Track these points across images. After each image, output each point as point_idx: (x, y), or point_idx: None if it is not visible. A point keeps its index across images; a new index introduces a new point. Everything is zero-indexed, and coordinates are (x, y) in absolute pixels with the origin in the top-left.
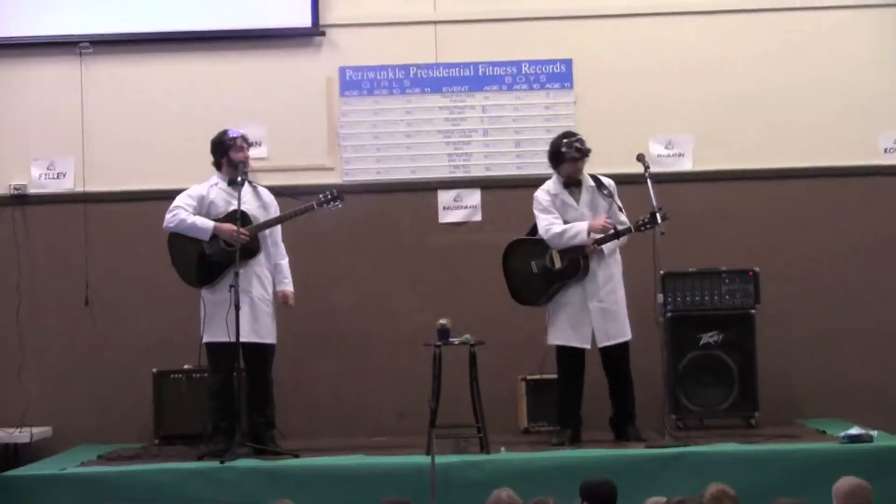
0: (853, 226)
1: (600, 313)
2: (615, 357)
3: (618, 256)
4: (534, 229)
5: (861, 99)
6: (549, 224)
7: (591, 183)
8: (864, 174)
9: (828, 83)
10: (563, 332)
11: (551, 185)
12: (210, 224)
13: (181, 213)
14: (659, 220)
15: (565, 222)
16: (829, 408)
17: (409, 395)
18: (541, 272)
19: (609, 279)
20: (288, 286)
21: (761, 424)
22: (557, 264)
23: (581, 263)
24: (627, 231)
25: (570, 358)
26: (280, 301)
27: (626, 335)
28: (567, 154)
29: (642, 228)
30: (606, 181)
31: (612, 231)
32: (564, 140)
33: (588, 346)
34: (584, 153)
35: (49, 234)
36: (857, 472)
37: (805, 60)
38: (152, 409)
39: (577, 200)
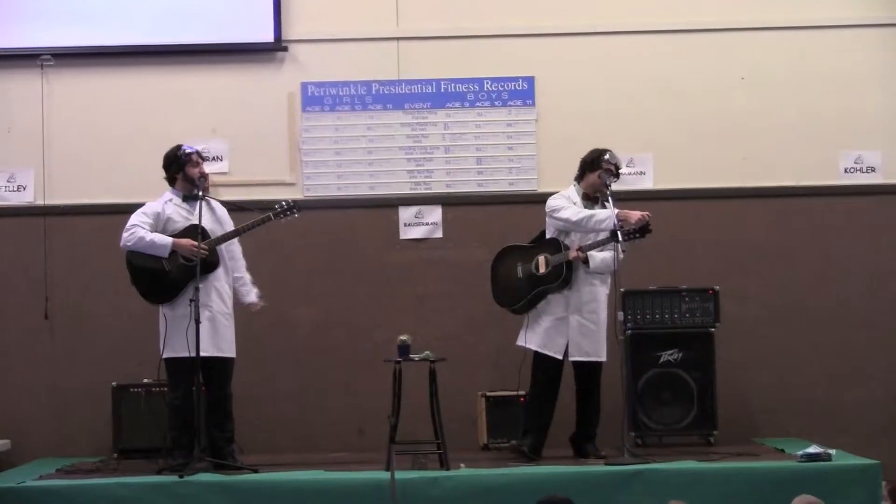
0: (812, 245)
1: (578, 327)
2: (585, 375)
3: (607, 279)
4: (536, 238)
5: (820, 119)
6: (576, 210)
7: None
8: (823, 194)
9: (787, 103)
10: (540, 337)
11: (570, 192)
12: (169, 241)
13: (139, 230)
14: (620, 239)
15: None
16: (787, 427)
17: (368, 411)
18: (525, 277)
19: (593, 297)
20: (253, 295)
21: (720, 442)
22: (542, 270)
23: (563, 272)
24: (611, 239)
25: (546, 366)
26: (251, 310)
27: (600, 356)
28: (605, 164)
29: (628, 238)
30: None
31: (638, 228)
32: (608, 153)
33: (560, 357)
34: (618, 174)
35: (9, 246)
36: (814, 491)
37: (764, 80)
38: (111, 423)
39: None
